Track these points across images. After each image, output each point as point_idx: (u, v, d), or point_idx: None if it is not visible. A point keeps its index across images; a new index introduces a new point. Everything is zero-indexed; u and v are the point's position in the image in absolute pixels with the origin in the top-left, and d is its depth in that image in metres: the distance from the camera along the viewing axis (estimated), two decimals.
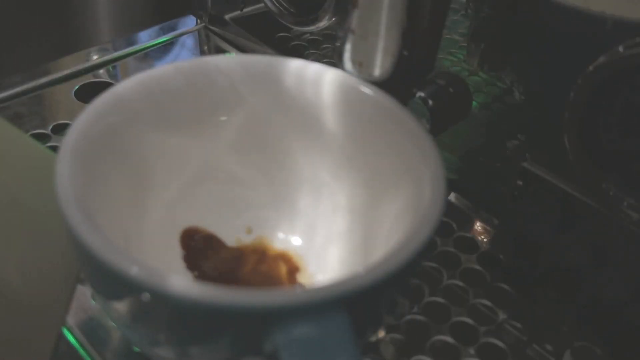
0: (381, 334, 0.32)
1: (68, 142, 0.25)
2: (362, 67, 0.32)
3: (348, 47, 0.32)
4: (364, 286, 0.21)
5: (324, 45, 0.47)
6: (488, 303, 0.34)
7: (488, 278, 0.35)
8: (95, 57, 0.48)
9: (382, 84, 0.29)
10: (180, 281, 0.20)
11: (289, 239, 0.31)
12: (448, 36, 0.36)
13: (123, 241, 0.27)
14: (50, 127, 0.42)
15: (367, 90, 0.29)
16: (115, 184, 0.27)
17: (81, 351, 0.30)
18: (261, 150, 0.31)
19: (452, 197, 0.39)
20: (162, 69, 0.29)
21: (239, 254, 0.30)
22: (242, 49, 0.50)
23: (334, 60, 0.33)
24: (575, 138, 0.29)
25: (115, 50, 0.49)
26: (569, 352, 0.32)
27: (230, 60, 0.30)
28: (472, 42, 0.35)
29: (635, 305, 0.31)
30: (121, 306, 0.22)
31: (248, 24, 0.50)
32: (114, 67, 0.48)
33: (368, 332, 0.26)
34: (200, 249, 0.30)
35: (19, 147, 0.28)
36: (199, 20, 0.53)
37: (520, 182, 0.34)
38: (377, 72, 0.32)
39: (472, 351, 0.31)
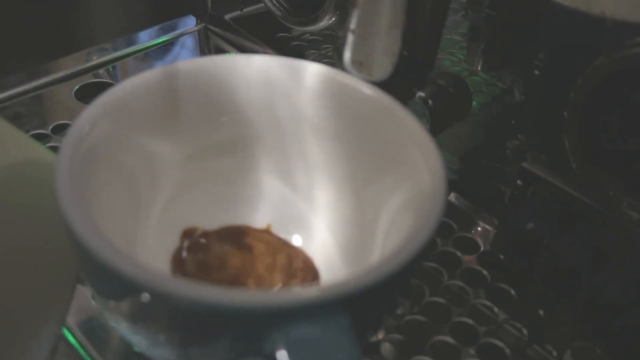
0: (381, 334, 0.32)
1: (68, 142, 0.25)
2: (362, 67, 0.32)
3: (348, 47, 0.32)
4: (365, 287, 0.21)
5: (324, 45, 0.46)
6: (488, 303, 0.34)
7: (488, 278, 0.35)
8: (95, 57, 0.48)
9: (382, 84, 0.29)
10: (181, 281, 0.20)
11: (289, 238, 0.31)
12: (448, 36, 0.36)
13: (123, 242, 0.27)
14: (50, 127, 0.42)
15: (367, 90, 0.29)
16: (115, 185, 0.27)
17: (81, 351, 0.30)
18: (261, 151, 0.31)
19: (452, 197, 0.39)
20: (161, 70, 0.29)
21: (244, 255, 0.30)
22: (242, 49, 0.50)
23: (334, 60, 0.33)
24: (575, 138, 0.29)
25: (115, 50, 0.49)
26: (569, 352, 0.32)
27: (231, 61, 0.30)
28: (472, 42, 0.35)
29: (635, 305, 0.31)
30: (121, 307, 0.22)
31: (248, 24, 0.50)
32: (114, 67, 0.48)
33: (368, 332, 0.26)
34: (200, 248, 0.30)
35: (19, 147, 0.28)
36: (199, 20, 0.53)
37: (520, 182, 0.34)
38: (377, 72, 0.32)
39: (472, 351, 0.31)
